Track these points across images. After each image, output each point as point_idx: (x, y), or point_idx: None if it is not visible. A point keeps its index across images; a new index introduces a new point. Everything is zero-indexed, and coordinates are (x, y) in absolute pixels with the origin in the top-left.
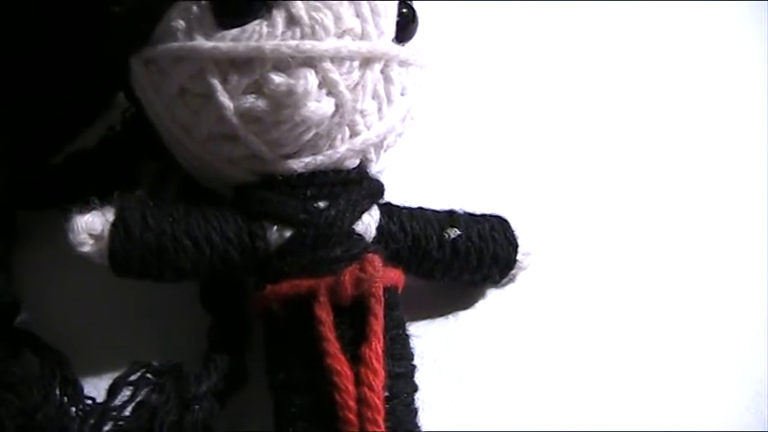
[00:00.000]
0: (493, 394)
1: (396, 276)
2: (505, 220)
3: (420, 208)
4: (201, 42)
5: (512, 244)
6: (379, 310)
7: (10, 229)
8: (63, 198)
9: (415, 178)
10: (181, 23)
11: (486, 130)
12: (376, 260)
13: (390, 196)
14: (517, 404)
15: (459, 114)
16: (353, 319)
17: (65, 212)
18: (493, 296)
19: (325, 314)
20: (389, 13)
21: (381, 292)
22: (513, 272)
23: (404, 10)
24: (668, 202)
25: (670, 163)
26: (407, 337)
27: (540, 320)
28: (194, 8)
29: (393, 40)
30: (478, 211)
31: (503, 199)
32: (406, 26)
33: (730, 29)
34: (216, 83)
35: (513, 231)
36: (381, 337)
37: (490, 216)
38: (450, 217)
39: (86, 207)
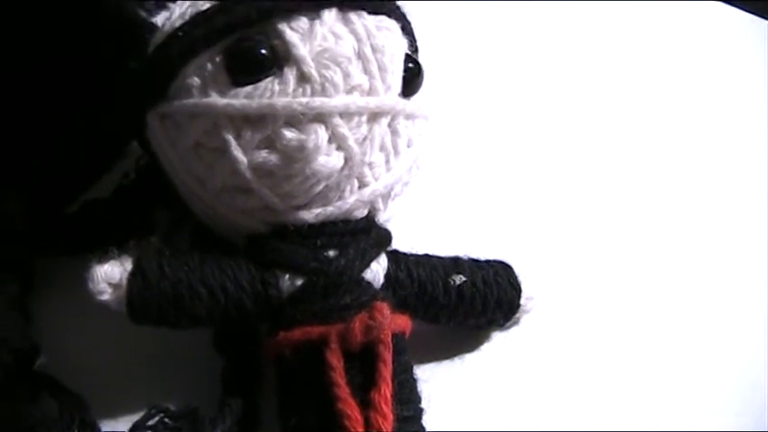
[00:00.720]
0: None
1: (403, 322)
2: (509, 266)
3: (426, 255)
4: (216, 99)
5: (515, 288)
6: (387, 356)
7: (28, 276)
8: (80, 246)
9: (420, 225)
10: (196, 80)
11: (487, 177)
12: (384, 308)
13: (397, 243)
14: None
15: (459, 162)
16: (363, 364)
17: (83, 260)
18: (498, 339)
19: (335, 360)
20: (396, 68)
21: (390, 339)
22: (516, 315)
23: (410, 65)
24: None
25: (671, 213)
26: (415, 381)
27: (545, 362)
28: (209, 66)
29: (399, 95)
30: (482, 257)
31: (505, 244)
32: (411, 81)
33: (731, 38)
34: (230, 138)
35: (516, 276)
36: (390, 382)
37: (494, 262)
38: (455, 263)
39: (105, 256)
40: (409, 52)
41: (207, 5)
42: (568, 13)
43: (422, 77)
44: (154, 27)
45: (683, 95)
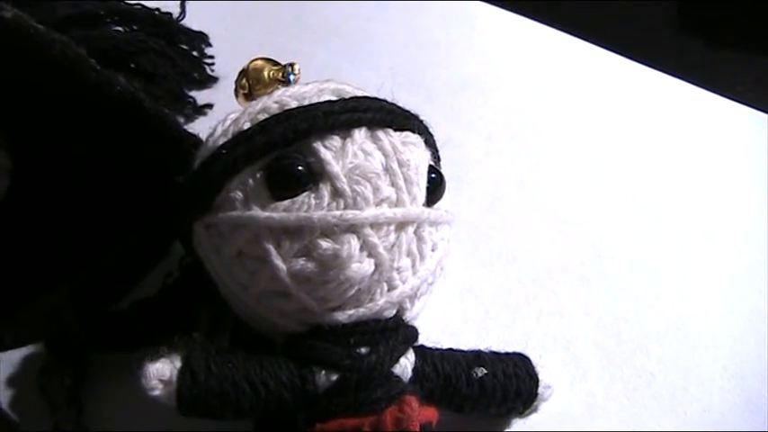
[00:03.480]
0: None
1: (430, 414)
2: (527, 358)
3: (450, 349)
4: (257, 212)
5: (533, 379)
6: None
7: (82, 369)
8: (130, 343)
9: (444, 320)
10: (239, 194)
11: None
12: (413, 401)
13: (423, 338)
14: None
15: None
16: None
17: (133, 355)
18: (517, 425)
19: None
20: (420, 180)
21: (419, 430)
22: (535, 403)
23: (432, 175)
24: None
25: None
26: None
27: None
28: (250, 181)
29: (424, 204)
30: (502, 350)
31: (521, 337)
32: (434, 190)
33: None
34: (270, 248)
35: (533, 367)
36: None
37: (512, 354)
38: (477, 357)
39: (156, 355)
40: (432, 163)
41: (248, 125)
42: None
43: (444, 186)
44: (198, 141)
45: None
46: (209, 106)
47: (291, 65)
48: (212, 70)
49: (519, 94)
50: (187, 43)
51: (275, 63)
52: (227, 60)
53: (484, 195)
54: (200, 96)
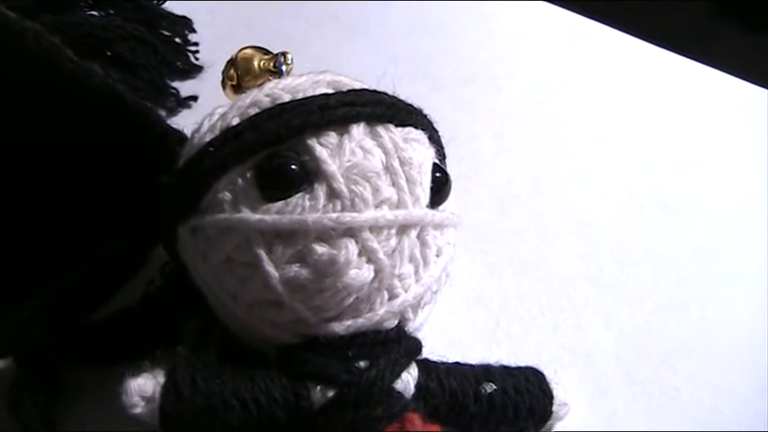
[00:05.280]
0: None
1: None
2: (540, 373)
3: (456, 363)
4: (247, 215)
5: (547, 395)
6: None
7: (54, 385)
8: (109, 356)
9: (450, 332)
10: (227, 195)
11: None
12: (416, 419)
13: (427, 351)
14: None
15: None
16: None
17: (112, 371)
18: None
19: None
20: (424, 180)
21: None
22: (549, 422)
23: (437, 174)
24: None
25: None
26: None
27: None
28: (240, 181)
29: (427, 206)
30: (513, 364)
31: (535, 350)
32: (439, 190)
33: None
34: (262, 253)
35: (548, 383)
36: None
37: (525, 369)
38: (486, 371)
39: (137, 369)
40: (437, 161)
41: (237, 120)
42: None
43: (449, 186)
44: (183, 138)
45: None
46: (194, 98)
47: (284, 54)
48: (197, 59)
49: (535, 84)
50: (169, 29)
51: (266, 52)
52: (212, 48)
53: (494, 196)
54: (184, 87)
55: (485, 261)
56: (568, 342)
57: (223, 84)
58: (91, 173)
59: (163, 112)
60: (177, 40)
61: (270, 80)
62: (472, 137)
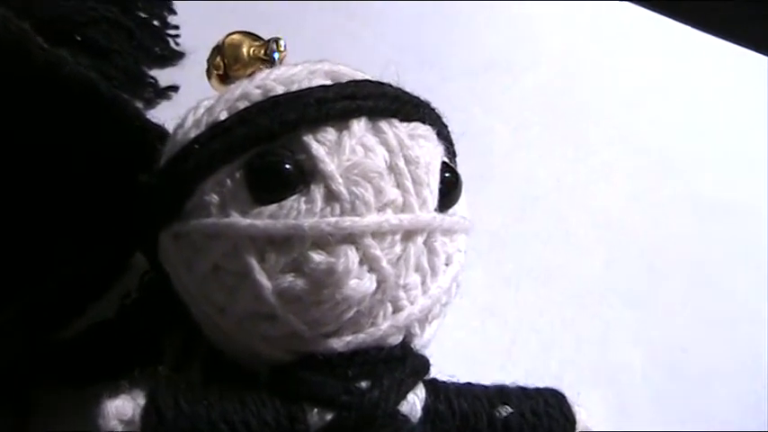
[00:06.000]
0: None
1: None
2: (561, 395)
3: (468, 384)
4: (237, 219)
5: (568, 420)
6: None
7: (24, 406)
8: (83, 375)
9: (461, 349)
10: (215, 198)
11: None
12: None
13: (435, 371)
14: None
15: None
16: None
17: (86, 391)
18: None
19: None
20: (432, 180)
21: None
22: None
23: (446, 174)
24: None
25: None
26: None
27: None
28: (228, 182)
29: (436, 209)
30: (531, 385)
31: (555, 369)
32: (449, 192)
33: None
34: (253, 261)
35: (569, 406)
36: None
37: (544, 390)
38: (501, 393)
39: (115, 390)
40: (446, 160)
41: (225, 114)
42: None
43: (460, 187)
44: (164, 133)
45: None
46: (174, 89)
47: (276, 40)
48: (177, 44)
49: (556, 73)
50: (147, 11)
51: (256, 38)
52: (195, 32)
53: (511, 198)
54: (163, 76)
55: (500, 270)
56: (592, 360)
57: (208, 73)
58: (63, 173)
59: (139, 104)
60: (155, 22)
61: (261, 69)
62: (486, 132)
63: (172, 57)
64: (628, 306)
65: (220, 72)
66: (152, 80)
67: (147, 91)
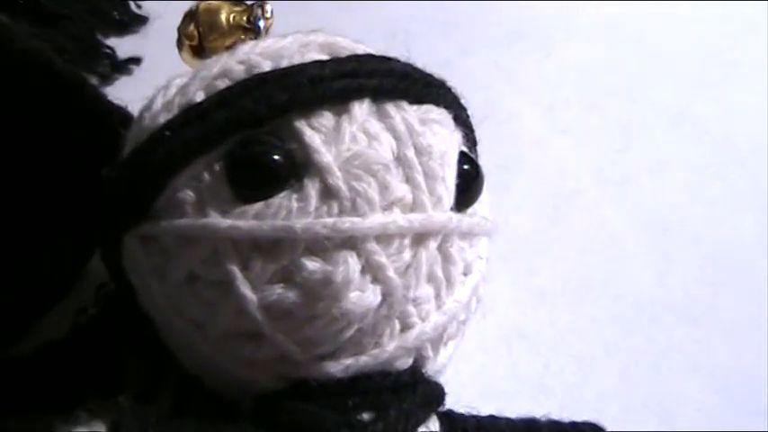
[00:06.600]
0: None
1: None
2: (602, 430)
3: (491, 416)
4: (216, 220)
5: None
6: None
7: None
8: (29, 405)
9: (483, 375)
10: (190, 195)
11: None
12: None
13: (452, 401)
14: None
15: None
16: None
17: (38, 428)
18: None
19: None
20: (447, 174)
21: None
22: None
23: (465, 167)
24: None
25: None
26: None
27: None
28: (206, 176)
29: (452, 208)
30: (565, 418)
31: (595, 401)
32: (468, 187)
33: None
34: (235, 270)
35: None
36: None
37: (582, 425)
38: (530, 427)
39: (69, 424)
40: (465, 149)
41: (201, 95)
42: None
43: (481, 182)
44: (128, 117)
45: None
46: (136, 61)
47: (261, 5)
48: (139, 6)
49: (597, 46)
50: None
51: (237, 2)
52: None
53: (543, 195)
54: (123, 46)
55: (530, 282)
56: (641, 390)
57: (179, 44)
58: (7, 165)
59: (93, 81)
60: None
61: (243, 41)
62: (513, 115)
63: (133, 23)
64: (684, 325)
65: (194, 43)
66: (109, 51)
67: (102, 64)
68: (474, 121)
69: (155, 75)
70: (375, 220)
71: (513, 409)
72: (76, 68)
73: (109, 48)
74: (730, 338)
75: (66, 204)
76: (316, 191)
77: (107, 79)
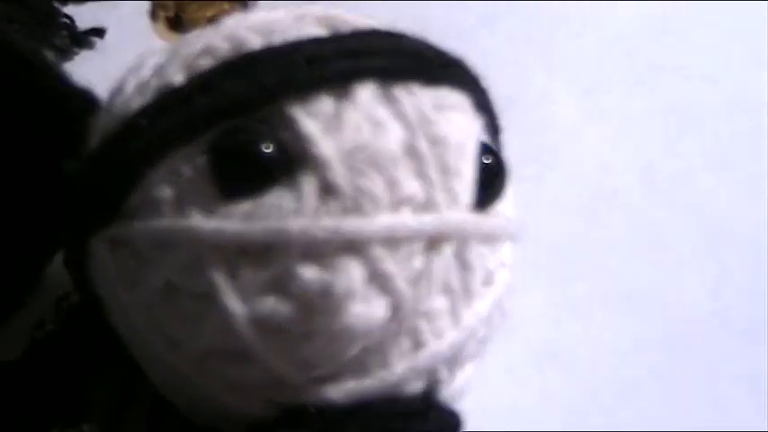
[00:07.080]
0: None
1: None
2: None
3: None
4: (198, 221)
5: None
6: None
7: None
8: None
9: (507, 402)
10: (168, 192)
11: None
12: None
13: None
14: None
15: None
16: None
17: None
18: None
19: None
20: (465, 167)
21: None
22: None
23: (486, 159)
24: None
25: None
26: None
27: None
28: (187, 171)
29: (470, 207)
30: None
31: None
32: (489, 184)
33: None
34: (220, 279)
35: None
36: None
37: None
38: None
39: None
40: (486, 139)
41: (180, 76)
42: None
43: (505, 176)
44: (93, 102)
45: None
46: (99, 33)
47: None
48: None
49: (640, 21)
50: None
51: None
52: None
53: (580, 193)
54: (83, 15)
55: (564, 294)
56: (692, 420)
57: (153, 16)
58: None
59: (50, 55)
60: None
61: (229, 12)
62: (545, 100)
63: None
64: (741, 342)
65: (170, 14)
66: (67, 20)
67: (59, 35)
68: (498, 105)
69: (124, 51)
70: (381, 221)
71: None
72: (30, 41)
73: (66, 16)
74: None
75: (21, 202)
76: (313, 188)
77: (66, 54)
